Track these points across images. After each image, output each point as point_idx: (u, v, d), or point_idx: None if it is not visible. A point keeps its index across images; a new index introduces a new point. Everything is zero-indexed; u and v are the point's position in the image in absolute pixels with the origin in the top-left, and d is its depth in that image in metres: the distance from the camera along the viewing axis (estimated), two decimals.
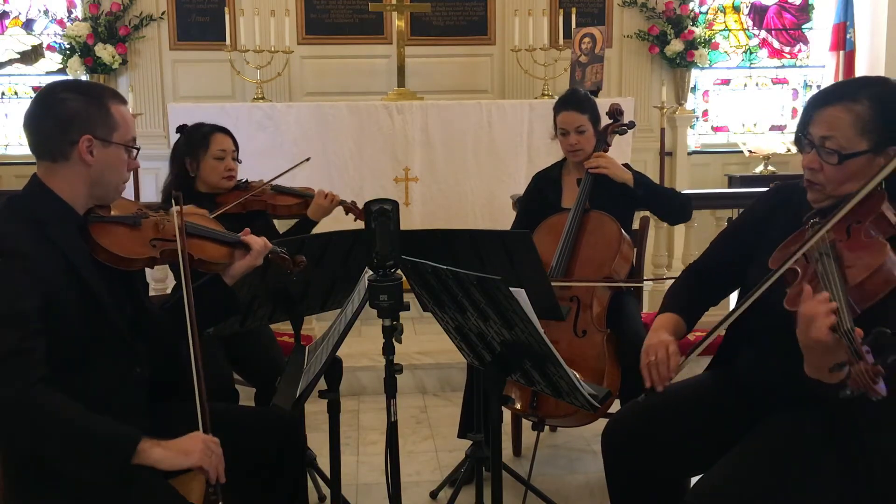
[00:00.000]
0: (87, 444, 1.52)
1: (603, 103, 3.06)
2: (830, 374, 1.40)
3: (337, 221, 3.05)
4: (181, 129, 2.91)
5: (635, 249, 2.89)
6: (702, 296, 1.98)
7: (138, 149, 1.80)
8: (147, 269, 1.96)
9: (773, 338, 1.66)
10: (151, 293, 3.63)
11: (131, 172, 1.83)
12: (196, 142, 2.81)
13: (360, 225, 2.60)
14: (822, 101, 1.69)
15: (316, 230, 2.98)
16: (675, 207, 2.91)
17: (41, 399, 1.49)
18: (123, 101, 1.79)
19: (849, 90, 1.66)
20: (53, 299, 1.57)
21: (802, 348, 1.47)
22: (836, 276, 1.49)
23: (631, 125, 3.03)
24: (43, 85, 1.87)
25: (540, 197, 3.04)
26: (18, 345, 1.49)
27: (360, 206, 2.47)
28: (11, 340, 1.49)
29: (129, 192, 1.81)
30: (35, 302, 1.54)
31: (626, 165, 2.94)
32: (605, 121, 3.00)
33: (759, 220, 1.91)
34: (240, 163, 2.92)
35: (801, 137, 1.72)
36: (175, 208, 1.85)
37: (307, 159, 3.28)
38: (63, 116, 1.67)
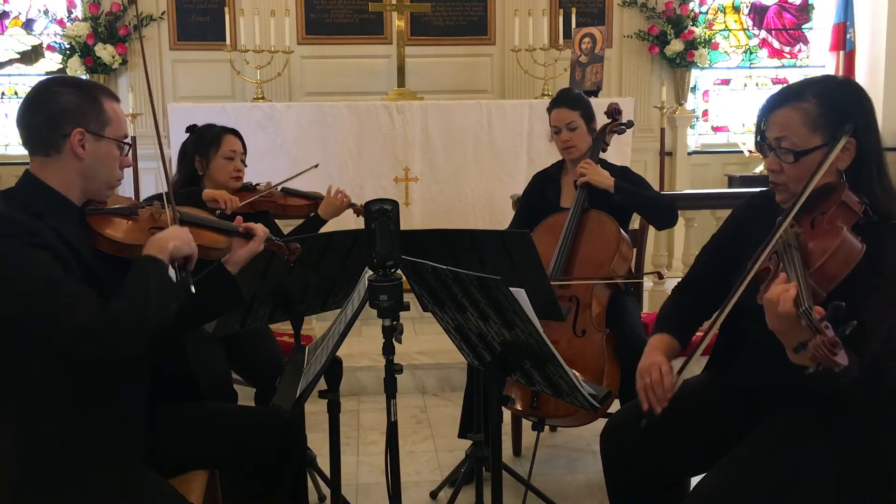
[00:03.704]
0: (151, 300, 1.60)
1: (603, 103, 3.07)
2: (796, 354, 1.43)
3: (338, 222, 3.04)
4: (191, 128, 2.97)
5: (635, 249, 2.89)
6: (693, 312, 1.99)
7: (130, 145, 1.81)
8: None
9: (768, 338, 1.66)
10: None
11: (125, 171, 1.83)
12: (207, 141, 2.87)
13: (361, 224, 2.61)
14: (772, 105, 1.77)
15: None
16: (658, 213, 2.88)
17: (110, 311, 1.55)
18: (116, 99, 1.80)
19: (795, 91, 1.75)
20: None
21: (775, 333, 1.51)
22: (797, 263, 1.55)
23: (629, 124, 3.03)
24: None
25: (539, 197, 3.04)
26: (75, 289, 1.54)
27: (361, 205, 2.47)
28: (67, 288, 1.53)
29: (129, 192, 1.81)
30: (57, 267, 1.56)
31: (624, 168, 2.94)
32: (604, 120, 3.00)
33: (739, 228, 1.95)
34: (246, 167, 2.97)
35: (761, 142, 1.79)
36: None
37: (315, 165, 3.37)
38: (55, 110, 1.68)
